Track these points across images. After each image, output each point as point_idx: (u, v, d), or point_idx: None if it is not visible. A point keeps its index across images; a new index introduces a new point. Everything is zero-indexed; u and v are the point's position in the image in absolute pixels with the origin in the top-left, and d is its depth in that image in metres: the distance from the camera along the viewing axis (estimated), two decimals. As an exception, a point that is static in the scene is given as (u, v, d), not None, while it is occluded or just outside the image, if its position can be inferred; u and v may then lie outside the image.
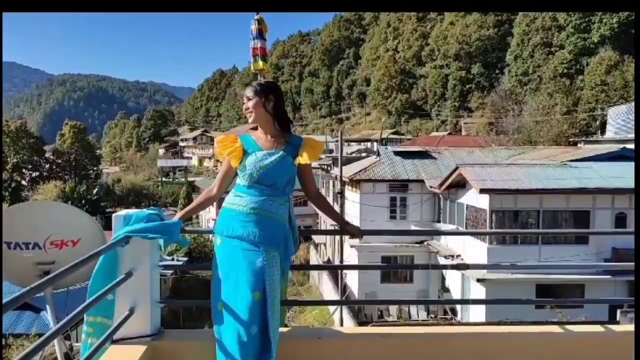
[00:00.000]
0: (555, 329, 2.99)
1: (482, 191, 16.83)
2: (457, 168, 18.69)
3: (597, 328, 2.99)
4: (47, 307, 3.61)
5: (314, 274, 27.77)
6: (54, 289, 3.88)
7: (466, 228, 18.72)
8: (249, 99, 2.57)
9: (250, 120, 2.59)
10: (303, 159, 2.54)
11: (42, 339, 1.82)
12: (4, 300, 1.55)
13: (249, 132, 2.66)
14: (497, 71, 68.30)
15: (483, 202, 17.49)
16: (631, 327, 2.95)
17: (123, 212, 2.60)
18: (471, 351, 2.83)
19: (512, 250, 17.08)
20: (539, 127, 41.01)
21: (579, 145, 30.29)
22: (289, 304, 17.03)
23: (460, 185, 19.11)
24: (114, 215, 2.55)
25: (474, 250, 17.78)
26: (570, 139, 36.34)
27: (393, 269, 24.03)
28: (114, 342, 2.49)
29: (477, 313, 17.41)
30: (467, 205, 18.93)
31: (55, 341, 3.02)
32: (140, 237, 2.45)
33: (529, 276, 16.37)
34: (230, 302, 2.37)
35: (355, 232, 2.83)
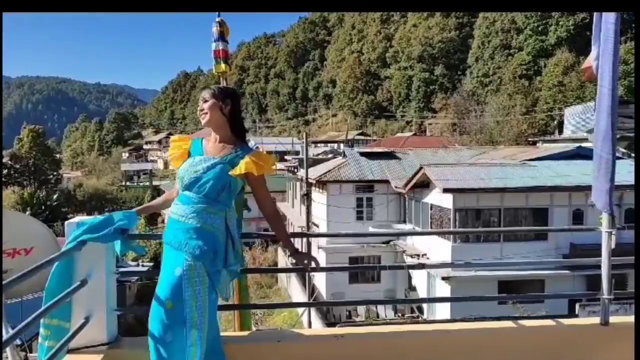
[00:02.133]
0: (517, 323, 3.07)
1: (446, 190, 17.16)
2: (421, 168, 19.00)
3: (558, 321, 3.07)
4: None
5: (282, 276, 27.71)
6: (6, 299, 3.78)
7: (431, 227, 19.03)
8: (205, 101, 2.50)
9: (203, 122, 2.52)
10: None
11: None
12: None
13: (204, 136, 2.63)
14: (459, 72, 69.75)
15: (447, 201, 17.83)
16: (590, 320, 3.06)
17: (76, 218, 2.56)
18: (431, 348, 2.86)
19: (475, 248, 17.47)
20: (500, 127, 42.09)
21: (537, 144, 31.21)
22: (257, 307, 16.98)
23: (425, 185, 19.42)
24: (67, 222, 2.51)
25: (439, 249, 18.10)
26: (529, 139, 37.40)
27: (362, 270, 24.17)
28: (70, 351, 2.44)
29: (443, 311, 17.72)
30: (431, 204, 19.26)
31: (8, 350, 2.93)
32: (94, 241, 2.39)
33: (491, 273, 16.77)
34: (153, 308, 2.35)
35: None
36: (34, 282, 2.92)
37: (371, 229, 20.89)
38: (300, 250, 2.63)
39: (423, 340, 2.94)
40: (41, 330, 2.43)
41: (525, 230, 20.26)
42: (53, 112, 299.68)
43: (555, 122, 44.14)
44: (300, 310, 19.78)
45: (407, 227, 20.57)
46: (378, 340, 2.92)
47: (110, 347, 2.56)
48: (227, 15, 4.31)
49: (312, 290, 19.31)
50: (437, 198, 18.55)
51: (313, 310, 18.46)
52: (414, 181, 19.53)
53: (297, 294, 23.12)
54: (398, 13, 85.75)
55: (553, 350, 2.87)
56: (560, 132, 37.21)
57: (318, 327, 17.32)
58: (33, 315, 2.02)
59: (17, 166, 59.83)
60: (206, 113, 2.49)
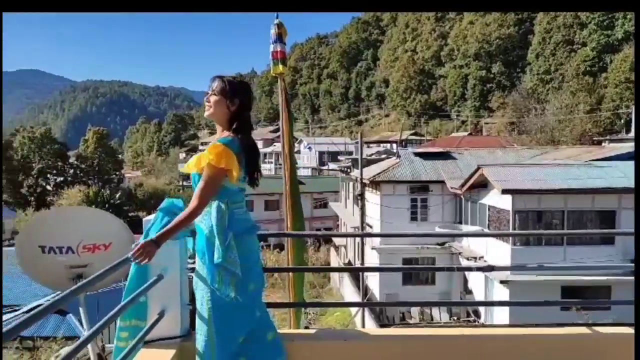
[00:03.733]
0: (582, 330, 2.95)
1: (505, 192, 16.64)
2: (478, 168, 18.52)
3: (625, 330, 2.92)
4: (81, 310, 3.69)
5: (334, 276, 27.75)
6: (86, 292, 3.97)
7: (488, 229, 18.51)
8: (213, 92, 2.44)
9: (206, 113, 2.50)
10: (186, 166, 2.40)
11: (79, 342, 1.88)
12: (44, 305, 1.60)
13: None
14: (518, 70, 67.55)
15: (505, 202, 17.28)
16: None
17: (151, 216, 2.65)
18: (496, 352, 2.81)
19: (536, 251, 16.85)
20: (562, 126, 40.42)
21: (603, 144, 29.73)
22: (312, 306, 17.06)
23: (482, 185, 18.91)
24: (144, 219, 2.60)
25: (497, 251, 17.57)
26: (594, 138, 35.72)
27: (415, 271, 23.77)
28: (146, 343, 2.53)
29: (501, 315, 17.19)
30: (489, 206, 18.73)
31: (89, 346, 3.09)
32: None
33: (554, 278, 16.10)
34: None
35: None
36: (111, 277, 3.04)
37: (438, 230, 20.50)
38: (156, 241, 2.22)
39: (492, 343, 2.87)
40: (117, 332, 2.54)
41: (591, 233, 19.34)
42: (115, 114, 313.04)
43: (622, 121, 41.90)
44: (353, 311, 19.74)
45: (474, 228, 19.86)
46: (444, 343, 2.89)
47: (184, 340, 2.64)
48: (281, 16, 4.36)
49: (365, 291, 19.23)
50: (495, 199, 18.02)
51: (366, 311, 18.37)
52: (470, 182, 19.07)
53: (350, 294, 23.08)
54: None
55: (618, 358, 2.73)
56: (628, 131, 35.30)
57: (371, 328, 17.22)
58: (112, 312, 2.12)
59: (83, 166, 62.91)
60: (211, 106, 2.45)
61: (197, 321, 2.45)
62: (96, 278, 1.99)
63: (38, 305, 16.77)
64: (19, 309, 18.04)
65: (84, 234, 3.80)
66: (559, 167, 18.81)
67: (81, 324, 15.93)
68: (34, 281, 4.29)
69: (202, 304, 2.41)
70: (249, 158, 2.42)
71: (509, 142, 37.12)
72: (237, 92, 2.44)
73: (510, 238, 17.10)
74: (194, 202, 2.27)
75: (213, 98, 2.43)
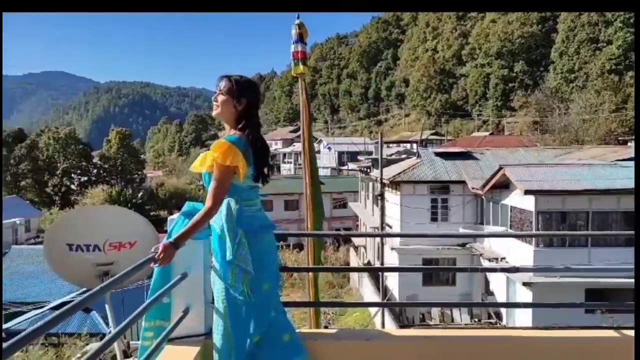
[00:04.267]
0: (608, 333, 2.90)
1: (528, 192, 16.40)
2: (500, 168, 18.29)
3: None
4: (107, 307, 3.76)
5: (354, 276, 27.72)
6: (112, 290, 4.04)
7: (511, 230, 18.27)
8: (221, 92, 2.47)
9: (214, 113, 2.52)
10: (193, 166, 2.46)
11: (105, 339, 1.93)
12: (73, 303, 1.63)
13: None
14: (541, 69, 66.56)
15: (528, 203, 17.03)
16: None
17: (175, 215, 2.68)
18: (520, 355, 2.78)
19: (559, 252, 16.57)
20: (587, 125, 39.68)
21: (629, 144, 29.09)
22: (331, 305, 17.06)
23: (504, 186, 18.68)
24: (169, 218, 2.63)
25: (519, 253, 17.33)
26: (619, 138, 34.98)
27: (436, 271, 23.58)
28: (170, 341, 2.56)
29: (523, 318, 16.95)
30: (511, 206, 18.49)
31: (115, 344, 3.14)
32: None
33: (577, 280, 15.82)
34: None
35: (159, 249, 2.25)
36: (136, 276, 3.09)
37: (461, 230, 20.31)
38: (175, 243, 2.25)
39: (516, 345, 2.84)
40: (143, 332, 2.58)
41: (616, 234, 18.91)
42: (137, 114, 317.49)
43: (650, 120, 40.89)
44: (372, 311, 19.68)
45: (498, 228, 19.59)
46: (467, 344, 2.85)
47: (207, 338, 2.66)
48: (300, 17, 4.37)
49: (384, 292, 19.16)
50: (518, 200, 17.78)
51: (386, 312, 18.30)
52: (492, 182, 18.84)
53: (369, 294, 23.02)
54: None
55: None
56: (655, 130, 34.40)
57: (393, 328, 17.13)
58: (137, 311, 2.15)
59: (106, 166, 63.97)
60: (218, 106, 2.48)
61: (214, 319, 2.48)
62: (122, 276, 2.01)
63: (64, 303, 17.10)
64: (44, 306, 18.45)
65: (111, 232, 3.87)
66: (584, 167, 18.47)
67: (104, 321, 16.19)
68: (61, 278, 4.39)
69: (218, 302, 2.44)
70: (257, 155, 2.43)
71: (531, 142, 36.59)
72: (244, 91, 2.46)
73: (533, 239, 16.84)
74: (208, 203, 2.30)
75: (220, 98, 2.46)
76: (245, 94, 2.46)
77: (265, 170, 2.50)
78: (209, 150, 2.39)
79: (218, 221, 2.37)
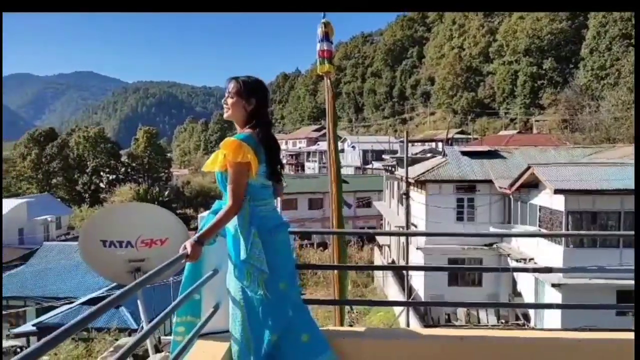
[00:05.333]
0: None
1: (557, 192, 16.07)
2: (529, 168, 17.97)
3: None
4: (139, 303, 3.84)
5: (378, 276, 27.61)
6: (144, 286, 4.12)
7: (539, 230, 17.94)
8: (230, 95, 2.49)
9: (225, 115, 2.54)
10: (205, 166, 2.49)
11: (139, 335, 1.97)
12: (108, 299, 1.65)
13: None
14: (571, 66, 65.10)
15: (558, 203, 16.70)
16: None
17: (205, 213, 2.71)
18: (553, 357, 2.74)
19: (589, 253, 16.19)
20: (618, 124, 38.63)
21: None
22: (356, 303, 17.03)
23: (533, 185, 18.35)
24: (199, 215, 2.67)
25: (549, 253, 17.00)
26: (653, 136, 33.90)
27: (466, 271, 23.16)
28: (201, 336, 2.60)
29: (552, 319, 16.63)
30: (540, 206, 18.15)
31: (147, 341, 3.20)
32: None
33: (608, 281, 15.44)
34: None
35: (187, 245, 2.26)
36: (167, 272, 3.15)
37: (492, 230, 20.02)
38: (199, 241, 2.27)
39: (549, 346, 2.80)
40: (175, 327, 2.62)
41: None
42: (164, 114, 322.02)
43: (685, 118, 39.60)
44: (397, 311, 19.57)
45: (529, 228, 19.24)
46: (499, 344, 2.82)
47: (237, 333, 2.69)
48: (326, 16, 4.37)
49: (409, 291, 19.03)
50: (547, 199, 17.44)
51: (410, 312, 18.18)
52: (520, 181, 18.52)
53: (394, 293, 22.91)
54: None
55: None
56: (691, 128, 33.31)
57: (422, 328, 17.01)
58: (169, 308, 2.19)
59: (134, 164, 65.12)
60: (229, 109, 2.50)
61: (231, 319, 2.49)
62: (155, 273, 2.04)
63: (94, 298, 17.43)
64: (74, 302, 18.88)
65: (143, 229, 3.95)
66: (615, 166, 18.00)
67: (132, 316, 16.45)
68: (95, 273, 4.50)
69: (235, 301, 2.46)
70: (269, 151, 2.43)
71: (561, 141, 35.86)
72: (252, 91, 2.48)
73: (563, 239, 16.50)
74: (229, 202, 2.33)
75: (230, 100, 2.49)
76: (254, 94, 2.48)
77: (278, 167, 2.52)
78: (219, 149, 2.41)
79: (233, 221, 2.39)
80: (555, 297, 16.24)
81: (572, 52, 66.17)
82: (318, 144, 75.07)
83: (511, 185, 19.18)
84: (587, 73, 59.65)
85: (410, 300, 17.84)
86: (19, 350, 16.30)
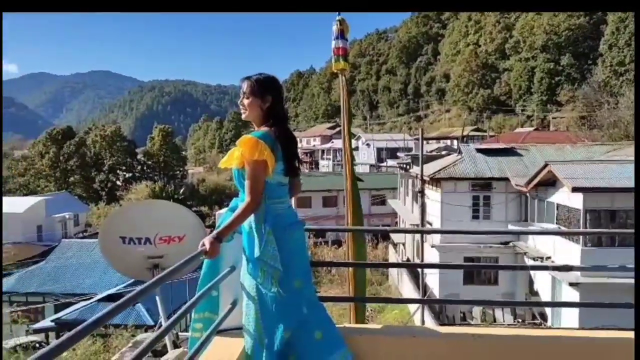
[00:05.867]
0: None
1: (575, 189, 15.86)
2: (546, 165, 17.75)
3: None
4: (157, 299, 3.88)
5: (393, 274, 27.54)
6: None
7: (559, 228, 17.73)
8: (245, 96, 2.51)
9: (243, 116, 2.54)
10: (221, 162, 2.52)
11: (158, 332, 1.99)
12: (128, 296, 1.67)
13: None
14: (589, 62, 64.10)
15: (576, 201, 16.48)
16: None
17: (223, 210, 2.73)
18: (570, 355, 2.73)
19: (608, 252, 15.95)
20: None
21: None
22: (370, 301, 17.01)
23: (550, 183, 18.13)
24: (217, 213, 2.69)
25: (566, 252, 16.80)
26: (674, 133, 33.25)
27: (483, 269, 22.87)
28: (219, 332, 2.62)
29: (570, 319, 16.44)
30: (557, 204, 17.94)
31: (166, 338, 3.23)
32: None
33: (627, 281, 15.20)
34: None
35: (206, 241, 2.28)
36: (185, 269, 3.18)
37: (511, 227, 19.84)
38: (218, 237, 2.28)
39: (565, 345, 2.78)
40: (193, 324, 2.64)
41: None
42: (179, 112, 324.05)
43: None
44: (412, 309, 19.50)
45: (547, 226, 19.03)
46: (516, 343, 2.81)
47: (254, 330, 2.70)
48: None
49: (424, 290, 18.95)
50: (565, 197, 17.22)
51: (425, 310, 18.10)
52: (537, 179, 18.31)
53: (408, 292, 22.82)
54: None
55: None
56: None
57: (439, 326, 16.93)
58: (187, 305, 2.21)
59: (149, 162, 65.73)
60: (246, 110, 2.51)
61: (244, 316, 2.51)
62: (174, 270, 2.06)
63: (111, 295, 17.61)
64: (92, 298, 19.12)
65: (161, 226, 4.01)
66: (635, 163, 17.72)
67: (148, 313, 16.60)
68: (114, 270, 4.56)
69: (249, 299, 2.47)
70: (285, 148, 2.44)
71: (579, 138, 35.30)
72: (267, 89, 2.49)
73: (581, 238, 16.28)
74: (246, 199, 2.34)
75: (246, 101, 2.50)
76: (269, 91, 2.49)
77: (295, 162, 2.53)
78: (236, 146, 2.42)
79: (248, 222, 2.42)
80: (572, 296, 16.04)
81: (590, 48, 65.18)
82: (332, 142, 74.99)
83: (528, 183, 18.98)
84: (606, 69, 58.72)
85: (425, 297, 17.74)
86: (38, 345, 16.60)
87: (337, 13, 4.43)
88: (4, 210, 31.80)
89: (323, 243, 33.17)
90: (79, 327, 1.36)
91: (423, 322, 17.46)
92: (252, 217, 2.40)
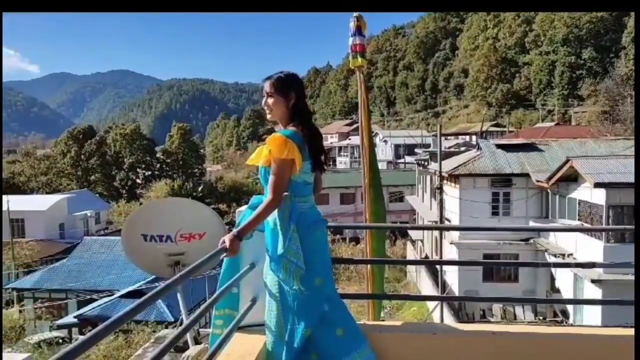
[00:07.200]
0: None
1: (598, 185, 15.61)
2: (568, 160, 17.49)
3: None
4: (178, 296, 3.94)
5: (411, 271, 27.41)
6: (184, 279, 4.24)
7: (582, 225, 17.46)
8: (269, 95, 2.50)
9: (268, 116, 2.55)
10: (249, 159, 2.53)
11: (180, 328, 2.02)
12: (152, 293, 1.69)
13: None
14: (611, 55, 62.89)
15: (599, 197, 16.21)
16: None
17: (243, 207, 2.74)
18: (589, 353, 2.70)
19: (632, 248, 15.60)
20: (662, 114, 37.09)
21: None
22: (389, 298, 16.96)
23: (572, 179, 17.86)
24: (237, 210, 2.71)
25: (588, 248, 16.53)
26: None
27: (501, 266, 22.65)
28: (239, 329, 2.64)
29: (592, 316, 16.19)
30: (579, 200, 17.66)
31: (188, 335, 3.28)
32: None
33: (653, 278, 14.88)
34: None
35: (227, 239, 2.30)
36: (206, 266, 3.21)
37: (532, 224, 19.62)
38: (238, 235, 2.29)
39: (585, 343, 2.75)
40: (214, 320, 2.68)
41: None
42: (197, 110, 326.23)
43: None
44: (430, 306, 19.40)
45: (569, 222, 18.75)
46: (535, 341, 2.79)
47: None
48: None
49: (443, 286, 18.83)
50: (587, 193, 16.95)
51: (445, 308, 17.99)
52: (559, 175, 18.05)
53: (427, 289, 22.71)
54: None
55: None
56: None
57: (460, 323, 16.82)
58: (208, 302, 2.25)
59: (168, 160, 66.33)
60: (271, 109, 2.51)
61: (266, 313, 2.53)
62: (195, 267, 2.09)
63: (132, 291, 17.83)
64: (114, 294, 19.41)
65: (182, 223, 4.08)
66: (660, 158, 17.35)
67: (169, 309, 16.76)
68: (136, 267, 4.63)
69: (271, 295, 2.49)
70: (312, 146, 2.46)
71: (601, 133, 34.67)
72: (289, 86, 2.50)
73: (604, 234, 15.99)
74: (269, 196, 2.35)
75: (270, 100, 2.50)
76: (291, 87, 2.50)
77: (322, 157, 2.54)
78: (265, 144, 2.43)
79: (272, 215, 2.43)
80: (594, 293, 15.79)
81: (612, 41, 63.95)
82: (349, 139, 74.88)
83: (549, 178, 18.72)
84: (629, 62, 57.52)
85: (444, 294, 17.64)
86: (61, 341, 16.92)
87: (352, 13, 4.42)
88: (28, 208, 32.48)
89: (340, 240, 33.15)
90: (103, 325, 1.38)
91: (442, 319, 17.36)
92: (276, 214, 2.42)
